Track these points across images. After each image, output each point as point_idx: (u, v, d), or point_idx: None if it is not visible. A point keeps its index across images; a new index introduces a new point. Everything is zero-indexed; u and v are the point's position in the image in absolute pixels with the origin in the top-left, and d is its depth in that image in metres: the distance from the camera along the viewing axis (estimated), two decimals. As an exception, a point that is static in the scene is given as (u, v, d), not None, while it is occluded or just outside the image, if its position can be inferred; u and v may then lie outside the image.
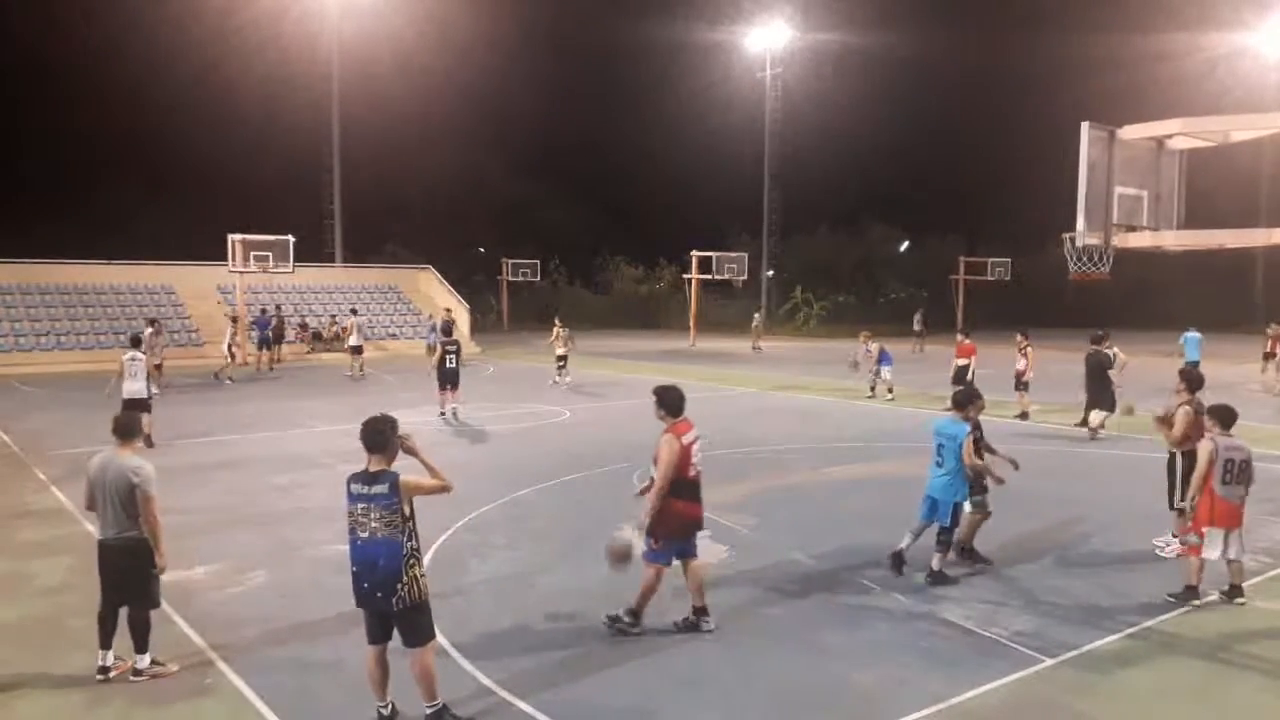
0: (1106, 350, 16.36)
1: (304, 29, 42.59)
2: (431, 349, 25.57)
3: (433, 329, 29.12)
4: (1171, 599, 7.96)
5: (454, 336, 19.84)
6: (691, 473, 7.09)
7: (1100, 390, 15.89)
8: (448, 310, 33.31)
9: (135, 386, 14.41)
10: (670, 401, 7.20)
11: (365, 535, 5.55)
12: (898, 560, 8.60)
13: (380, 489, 5.54)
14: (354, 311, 29.61)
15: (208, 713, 6.05)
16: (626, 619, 7.21)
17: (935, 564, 8.39)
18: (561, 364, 24.03)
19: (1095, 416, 15.97)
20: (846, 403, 20.77)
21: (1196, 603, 7.85)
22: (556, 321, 25.54)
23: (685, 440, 7.04)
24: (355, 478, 5.64)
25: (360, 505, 5.56)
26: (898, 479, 12.92)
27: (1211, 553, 7.83)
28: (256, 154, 51.33)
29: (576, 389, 22.99)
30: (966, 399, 8.75)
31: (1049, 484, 11.76)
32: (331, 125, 42.81)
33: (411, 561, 5.59)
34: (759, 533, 10.05)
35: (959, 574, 8.61)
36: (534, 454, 14.61)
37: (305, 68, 43.99)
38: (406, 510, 5.61)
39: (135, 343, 15.06)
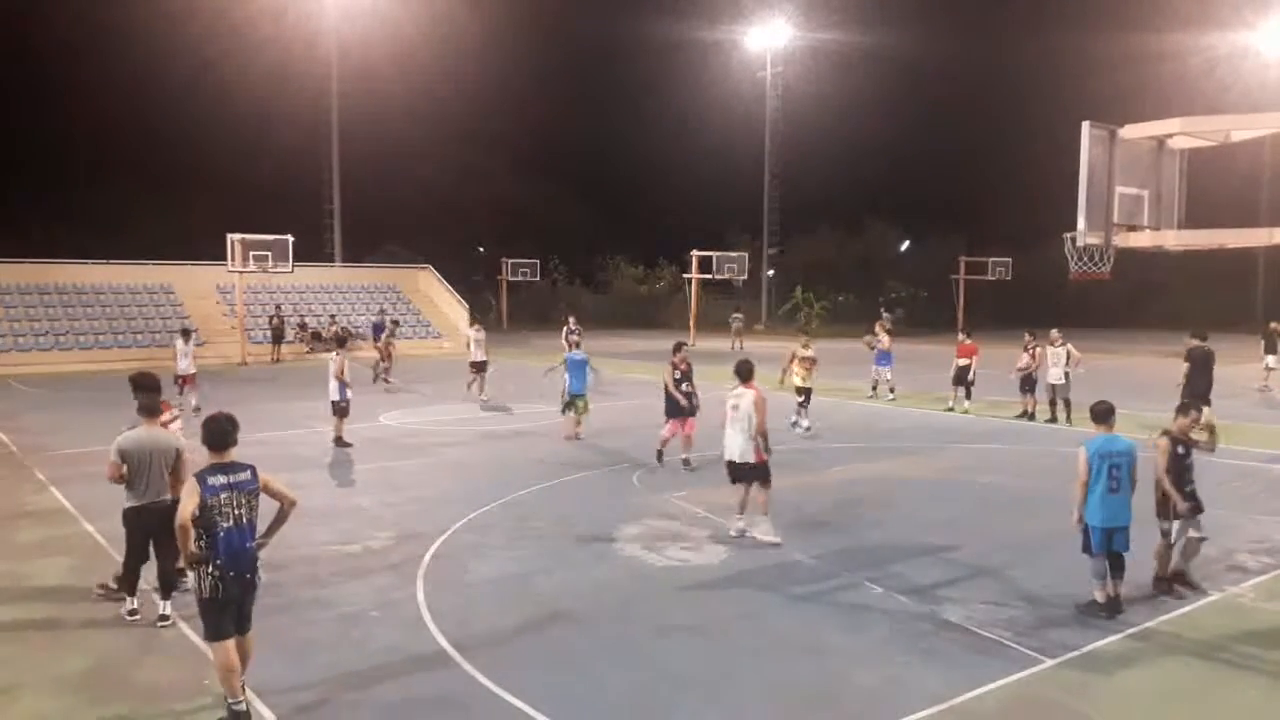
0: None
1: (304, 28, 42.63)
2: (570, 403, 16.04)
3: (586, 368, 16.17)
4: None
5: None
6: None
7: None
8: (570, 320, 25.81)
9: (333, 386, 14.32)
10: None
11: (229, 524, 5.69)
12: (1115, 606, 7.67)
13: (244, 476, 5.84)
14: (474, 322, 26.49)
15: (207, 712, 6.05)
16: (113, 583, 7.81)
17: (1118, 590, 7.69)
18: (804, 400, 17.06)
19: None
20: (846, 403, 20.75)
21: None
22: (804, 338, 18.11)
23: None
24: (212, 470, 5.78)
25: (225, 495, 5.71)
26: (898, 479, 12.92)
27: None
28: (256, 154, 51.49)
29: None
30: (1104, 411, 7.80)
31: (1049, 484, 11.74)
32: (331, 125, 42.84)
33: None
34: (759, 533, 10.03)
35: (971, 583, 8.61)
36: (534, 454, 14.60)
37: (305, 67, 44.08)
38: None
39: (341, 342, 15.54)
